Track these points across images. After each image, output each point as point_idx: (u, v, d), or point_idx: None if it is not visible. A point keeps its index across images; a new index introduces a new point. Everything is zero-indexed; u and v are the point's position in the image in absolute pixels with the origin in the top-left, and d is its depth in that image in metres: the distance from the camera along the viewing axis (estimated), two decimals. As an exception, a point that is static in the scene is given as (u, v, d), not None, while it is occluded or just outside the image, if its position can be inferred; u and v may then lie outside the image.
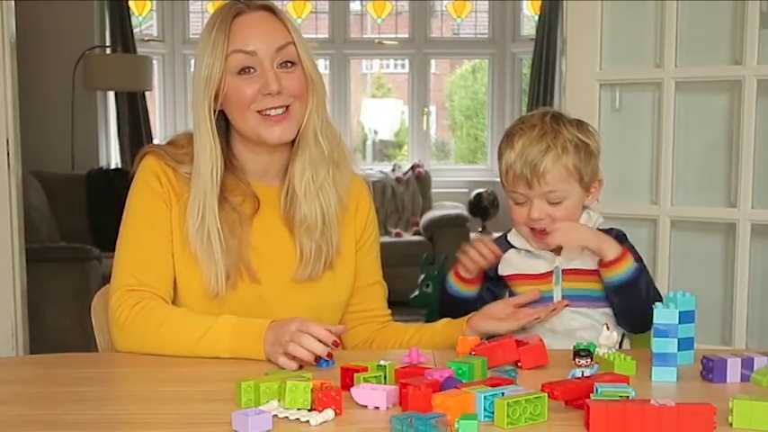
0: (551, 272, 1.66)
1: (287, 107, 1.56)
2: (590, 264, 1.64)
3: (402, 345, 1.65)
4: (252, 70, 1.54)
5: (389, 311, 1.76)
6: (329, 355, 1.39)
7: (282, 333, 1.39)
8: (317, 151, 1.60)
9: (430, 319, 4.22)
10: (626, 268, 1.58)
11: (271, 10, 1.57)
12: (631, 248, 1.66)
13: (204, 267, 1.54)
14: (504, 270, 1.70)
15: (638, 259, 1.65)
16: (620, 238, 1.67)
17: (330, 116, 1.65)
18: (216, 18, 1.56)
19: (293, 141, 1.61)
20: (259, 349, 1.43)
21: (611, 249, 1.59)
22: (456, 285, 1.71)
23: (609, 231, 1.68)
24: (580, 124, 1.67)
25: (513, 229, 1.72)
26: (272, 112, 1.55)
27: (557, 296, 1.65)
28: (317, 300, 1.62)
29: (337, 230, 1.63)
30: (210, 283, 1.54)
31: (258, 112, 1.55)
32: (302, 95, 1.57)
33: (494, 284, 1.72)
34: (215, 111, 1.56)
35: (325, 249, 1.61)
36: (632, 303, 1.59)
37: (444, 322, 1.65)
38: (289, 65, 1.56)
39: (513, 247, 1.71)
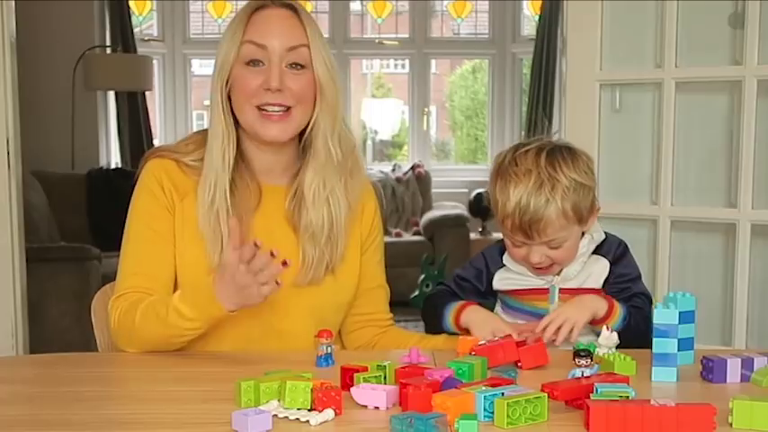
0: (547, 288, 1.64)
1: (288, 108, 1.56)
2: (586, 283, 1.63)
3: None
4: (260, 63, 1.55)
5: (391, 315, 1.76)
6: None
7: (237, 278, 1.38)
8: (327, 158, 1.59)
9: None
10: (615, 321, 1.54)
11: (294, 9, 1.58)
12: (631, 261, 1.65)
13: (209, 246, 1.55)
14: (500, 285, 1.69)
15: (638, 276, 1.65)
16: (621, 249, 1.66)
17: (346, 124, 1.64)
18: (241, 9, 1.59)
19: (301, 143, 1.61)
20: (216, 304, 1.42)
21: (600, 308, 1.55)
22: (453, 328, 1.64)
23: (611, 241, 1.67)
24: (574, 159, 1.59)
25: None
26: (270, 109, 1.55)
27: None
28: (319, 300, 1.62)
29: (344, 239, 1.62)
30: (213, 262, 1.54)
31: (257, 107, 1.55)
32: (306, 100, 1.56)
33: (482, 297, 1.70)
34: (228, 97, 1.58)
35: (328, 256, 1.60)
36: (630, 338, 1.54)
37: (446, 337, 1.64)
38: (298, 67, 1.56)
39: (504, 265, 1.68)
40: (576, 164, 1.58)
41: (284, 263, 1.39)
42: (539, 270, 1.63)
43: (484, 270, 1.71)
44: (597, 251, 1.66)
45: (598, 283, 1.64)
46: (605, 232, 1.69)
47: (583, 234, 1.64)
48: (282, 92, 1.54)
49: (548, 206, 1.54)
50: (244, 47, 1.55)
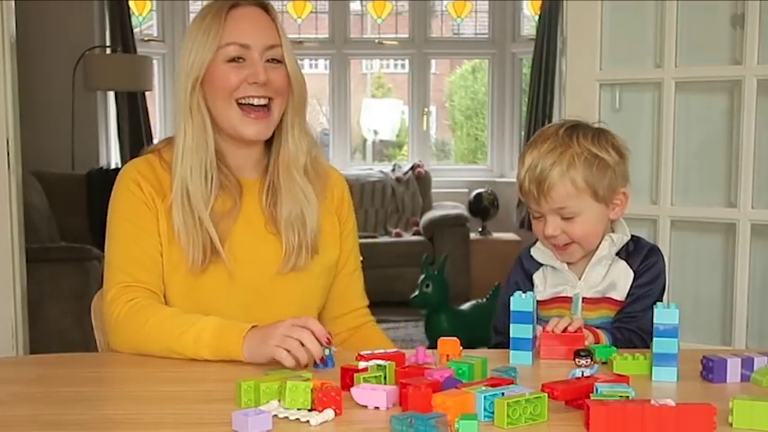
0: (570, 297, 1.63)
1: (269, 100, 1.60)
2: (610, 293, 1.62)
3: None
4: (241, 60, 1.59)
5: (367, 302, 1.79)
6: (322, 359, 1.39)
7: (273, 330, 1.38)
8: (296, 152, 1.65)
9: (429, 318, 4.21)
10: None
11: (265, 8, 1.62)
12: (657, 274, 1.62)
13: (183, 241, 1.56)
14: (537, 294, 1.65)
15: (650, 306, 1.53)
16: (648, 255, 1.63)
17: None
18: (210, 8, 1.60)
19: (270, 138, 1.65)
20: (238, 348, 1.41)
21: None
22: None
23: (642, 245, 1.65)
24: (598, 136, 1.60)
25: (538, 243, 1.68)
26: (255, 101, 1.59)
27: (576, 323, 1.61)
28: (303, 287, 1.65)
29: (316, 223, 1.65)
30: (190, 257, 1.56)
31: (239, 105, 1.58)
32: (284, 94, 1.62)
33: None
34: (197, 97, 1.61)
35: (305, 238, 1.63)
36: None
37: None
38: (275, 62, 1.61)
39: (539, 263, 1.68)
40: (598, 138, 1.60)
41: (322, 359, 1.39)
42: (559, 249, 1.62)
43: (523, 284, 1.67)
44: (626, 258, 1.64)
45: (622, 296, 1.62)
46: (638, 237, 1.67)
47: (612, 226, 1.64)
48: (266, 85, 1.58)
49: (553, 168, 1.56)
50: (225, 48, 1.57)
